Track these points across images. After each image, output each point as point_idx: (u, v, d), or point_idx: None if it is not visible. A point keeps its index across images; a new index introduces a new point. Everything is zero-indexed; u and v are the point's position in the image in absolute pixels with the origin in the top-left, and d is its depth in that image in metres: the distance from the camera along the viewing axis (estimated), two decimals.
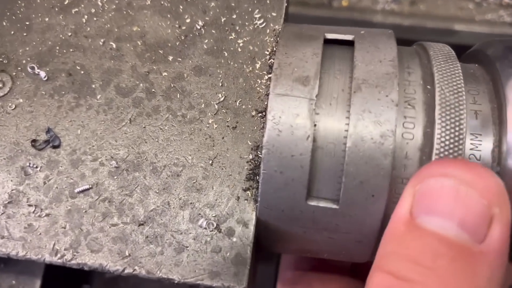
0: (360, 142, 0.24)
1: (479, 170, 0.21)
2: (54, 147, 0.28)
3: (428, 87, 0.26)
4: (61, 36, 0.30)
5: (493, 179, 0.21)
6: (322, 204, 0.25)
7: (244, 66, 0.29)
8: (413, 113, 0.25)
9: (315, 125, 0.25)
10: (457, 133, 0.24)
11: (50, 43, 0.30)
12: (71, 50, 0.30)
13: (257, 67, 0.29)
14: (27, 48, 0.30)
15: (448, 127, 0.24)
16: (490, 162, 0.25)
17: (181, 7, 0.31)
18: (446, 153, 0.24)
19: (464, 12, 0.62)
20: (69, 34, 0.30)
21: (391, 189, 0.25)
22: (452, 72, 0.26)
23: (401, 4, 0.63)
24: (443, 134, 0.24)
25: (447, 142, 0.24)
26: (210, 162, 0.27)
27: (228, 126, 0.28)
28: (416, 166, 0.25)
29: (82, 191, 0.27)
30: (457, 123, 0.24)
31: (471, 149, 0.25)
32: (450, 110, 0.25)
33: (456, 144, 0.24)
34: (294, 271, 0.36)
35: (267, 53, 0.29)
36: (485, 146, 0.25)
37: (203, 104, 0.28)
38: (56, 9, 0.31)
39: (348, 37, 0.28)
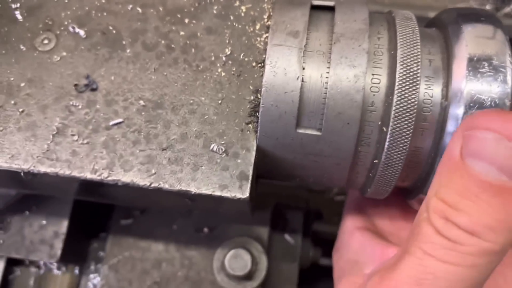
0: (338, 81, 0.31)
1: None
2: (92, 90, 0.35)
3: (393, 40, 0.33)
4: (96, 2, 0.37)
5: None
6: (309, 131, 0.32)
7: (247, 27, 0.36)
8: (380, 59, 0.32)
9: (303, 68, 0.32)
10: (413, 76, 0.31)
11: (87, 8, 0.37)
12: (104, 14, 0.37)
13: (257, 28, 0.36)
14: (68, 12, 0.37)
15: (407, 70, 0.31)
16: (439, 98, 0.32)
17: None
18: (406, 89, 0.31)
19: (438, 1, 0.69)
20: (103, 1, 0.37)
21: (362, 118, 0.32)
22: (411, 30, 0.33)
23: None
24: (403, 76, 0.31)
25: (406, 82, 0.31)
26: (220, 102, 0.34)
27: (233, 74, 0.35)
28: (381, 100, 0.31)
29: (116, 124, 0.34)
30: (414, 68, 0.31)
31: (425, 88, 0.32)
32: (409, 57, 0.32)
33: (413, 83, 0.31)
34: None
35: (265, 17, 0.36)
36: (436, 86, 0.32)
37: (213, 57, 0.35)
38: None
39: (330, 3, 0.35)
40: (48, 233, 0.47)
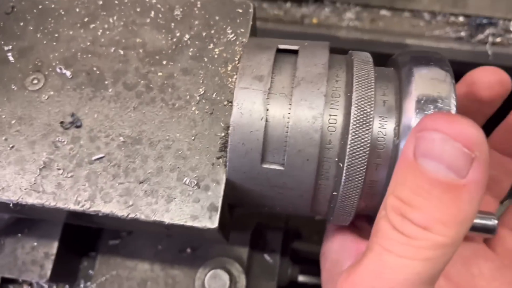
0: (298, 121, 0.34)
1: (462, 123, 0.28)
2: (77, 127, 0.38)
3: (349, 83, 0.36)
4: (82, 45, 0.40)
5: (474, 129, 0.28)
6: (273, 166, 0.35)
7: (219, 68, 0.39)
8: (337, 101, 0.35)
9: (267, 110, 0.35)
10: (367, 116, 0.34)
11: (73, 50, 0.40)
12: (89, 55, 0.40)
13: (229, 69, 0.39)
14: (56, 54, 0.40)
15: (361, 111, 0.34)
16: (392, 136, 0.35)
17: (172, 24, 0.41)
18: (359, 129, 0.34)
19: (415, 29, 0.72)
20: (88, 43, 0.40)
21: (320, 155, 0.35)
22: (366, 73, 0.36)
23: (362, 21, 0.73)
24: (356, 116, 0.34)
25: (359, 122, 0.34)
26: (193, 138, 0.37)
27: (206, 112, 0.38)
28: (337, 139, 0.35)
29: (98, 159, 0.37)
30: (367, 109, 0.34)
31: (379, 127, 0.35)
32: (363, 99, 0.35)
33: (366, 123, 0.34)
34: None
35: (236, 59, 0.39)
36: (389, 125, 0.35)
37: (188, 96, 0.38)
38: (78, 24, 0.41)
39: (295, 47, 0.38)
40: (39, 254, 0.50)
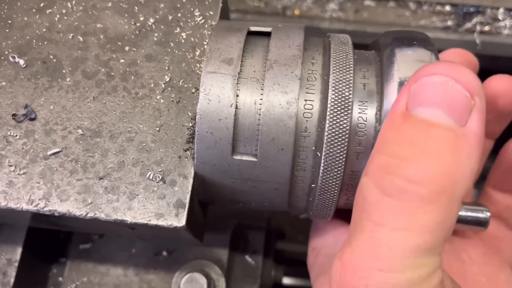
0: (271, 107, 0.31)
1: (462, 69, 0.26)
2: (31, 119, 0.35)
3: (326, 65, 0.33)
4: (37, 31, 0.37)
5: (473, 76, 0.26)
6: (245, 157, 0.32)
7: (187, 53, 0.36)
8: (313, 85, 0.32)
9: (237, 95, 0.32)
10: (345, 101, 0.31)
11: (28, 37, 0.37)
12: (45, 43, 0.37)
13: (197, 54, 0.36)
14: (9, 42, 0.37)
15: (339, 95, 0.31)
16: (373, 122, 0.32)
17: (136, 7, 0.38)
18: (337, 114, 0.31)
19: (401, 19, 0.70)
20: (44, 30, 0.37)
21: (295, 143, 0.32)
22: (345, 55, 0.33)
23: (346, 12, 0.71)
24: (334, 101, 0.31)
25: (337, 107, 0.31)
26: (158, 129, 0.34)
27: (172, 101, 0.35)
28: (314, 126, 0.32)
29: (54, 154, 0.34)
30: (345, 93, 0.32)
31: (359, 112, 0.32)
32: (341, 83, 0.32)
33: (345, 109, 0.31)
34: None
35: (205, 43, 0.36)
36: (370, 110, 0.32)
37: (152, 84, 0.35)
38: (34, 10, 0.38)
39: (267, 29, 0.35)
40: (2, 261, 0.46)
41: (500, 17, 0.69)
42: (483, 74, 0.66)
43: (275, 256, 0.55)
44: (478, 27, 0.68)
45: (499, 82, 0.42)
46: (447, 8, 0.71)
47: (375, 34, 0.68)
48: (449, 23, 0.69)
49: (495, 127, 0.45)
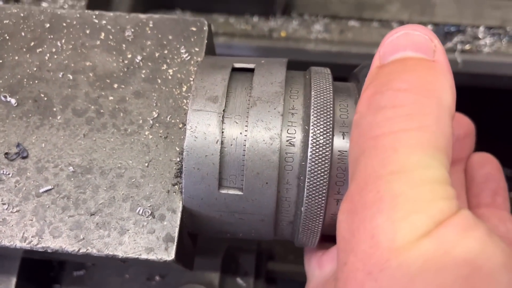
0: (255, 143, 0.33)
1: (417, 25, 0.30)
2: (23, 158, 0.36)
3: (307, 100, 0.34)
4: (28, 70, 0.38)
5: (427, 29, 0.30)
6: (231, 191, 0.34)
7: (174, 90, 0.37)
8: (295, 120, 0.34)
9: (222, 132, 0.33)
10: (326, 134, 0.33)
11: (19, 76, 0.38)
12: (36, 81, 0.38)
13: (184, 90, 0.37)
14: (0, 81, 0.38)
15: (319, 129, 0.33)
16: None
17: (124, 45, 0.39)
18: (318, 147, 0.33)
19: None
20: (35, 69, 0.38)
21: (279, 177, 0.33)
22: (325, 89, 0.35)
23: (331, 33, 0.72)
24: (315, 134, 0.33)
25: (318, 140, 0.33)
26: (146, 164, 0.35)
27: (160, 136, 0.36)
28: (297, 159, 0.33)
29: (46, 191, 0.35)
30: (327, 127, 0.33)
31: (339, 143, 0.33)
32: (321, 116, 0.33)
33: (326, 141, 0.33)
34: None
35: (191, 79, 0.38)
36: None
37: (141, 120, 0.36)
38: (24, 49, 0.39)
39: (251, 65, 0.36)
40: None
41: (480, 35, 0.71)
42: (465, 91, 0.69)
43: (266, 276, 0.56)
44: (459, 46, 0.70)
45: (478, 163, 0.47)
46: (429, 27, 0.73)
47: (360, 55, 0.70)
48: None
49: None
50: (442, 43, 0.73)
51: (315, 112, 0.33)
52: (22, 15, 0.40)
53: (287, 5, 0.72)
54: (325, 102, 0.34)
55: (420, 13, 0.73)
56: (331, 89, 0.35)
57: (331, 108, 0.34)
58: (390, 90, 0.27)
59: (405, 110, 0.26)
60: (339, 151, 0.33)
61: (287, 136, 0.33)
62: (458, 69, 0.69)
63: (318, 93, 0.34)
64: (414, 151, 0.25)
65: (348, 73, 0.45)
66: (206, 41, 0.39)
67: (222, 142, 0.33)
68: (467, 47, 0.70)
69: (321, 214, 0.34)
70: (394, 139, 0.26)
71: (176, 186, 0.35)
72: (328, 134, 0.33)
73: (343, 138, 0.33)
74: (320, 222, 0.34)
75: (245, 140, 0.33)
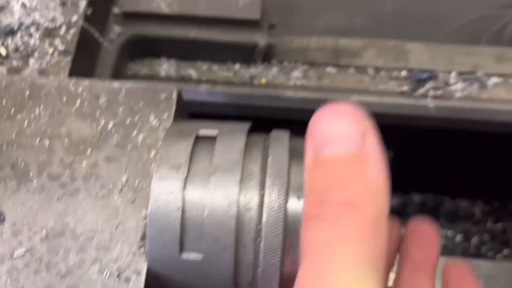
0: (214, 210, 0.35)
1: (344, 103, 0.29)
2: (0, 222, 0.38)
3: (264, 166, 0.37)
4: (7, 137, 0.41)
5: (356, 107, 0.29)
6: (191, 257, 0.36)
7: (143, 155, 0.40)
8: (252, 186, 0.36)
9: (183, 199, 0.36)
10: (280, 198, 0.35)
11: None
12: (14, 148, 0.40)
13: (152, 156, 0.40)
14: None
15: (273, 192, 0.35)
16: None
17: (98, 112, 0.42)
18: (273, 208, 0.35)
19: (360, 84, 0.75)
20: (14, 135, 0.41)
21: (237, 241, 0.35)
22: (281, 154, 0.37)
23: (309, 79, 0.75)
24: (270, 197, 0.35)
25: (274, 204, 0.35)
26: (115, 227, 0.38)
27: (129, 200, 0.38)
28: (253, 224, 0.35)
29: (20, 254, 0.37)
30: (280, 189, 0.35)
31: (294, 207, 0.36)
32: (276, 181, 0.36)
33: (281, 205, 0.35)
34: None
35: (160, 144, 0.40)
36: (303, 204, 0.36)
37: (111, 185, 0.39)
38: (5, 116, 0.42)
39: (213, 133, 0.39)
40: None
41: (451, 81, 0.74)
42: (437, 135, 0.71)
43: None
44: (431, 92, 0.73)
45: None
46: (403, 73, 0.76)
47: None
48: (405, 88, 0.74)
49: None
50: (415, 89, 0.75)
51: (270, 177, 0.36)
52: (4, 84, 0.43)
53: (268, 53, 0.75)
54: (280, 167, 0.36)
55: (395, 60, 0.77)
56: (287, 155, 0.37)
57: (286, 173, 0.36)
58: (325, 203, 0.28)
59: (339, 225, 0.27)
60: (293, 213, 0.35)
61: (244, 202, 0.36)
62: (430, 114, 0.71)
63: (274, 158, 0.37)
64: (348, 268, 0.26)
65: None
66: (174, 108, 0.42)
67: (183, 209, 0.35)
68: (439, 93, 0.73)
69: (277, 274, 0.36)
70: (329, 255, 0.27)
71: (142, 249, 0.37)
72: (282, 198, 0.35)
73: (298, 200, 0.36)
74: (276, 282, 0.36)
75: (204, 207, 0.35)
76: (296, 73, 0.76)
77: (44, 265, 0.37)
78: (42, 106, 0.42)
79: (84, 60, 0.64)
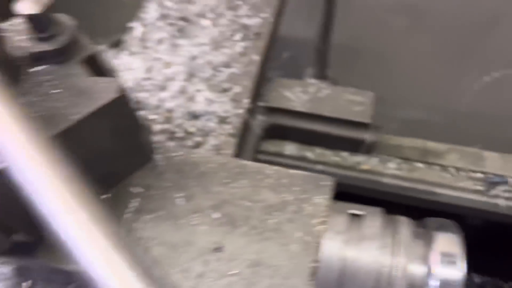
0: (362, 266, 0.56)
1: None
2: (221, 251, 0.61)
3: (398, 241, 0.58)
4: (224, 198, 0.64)
5: None
6: None
7: (311, 221, 0.62)
8: (387, 253, 0.57)
9: (344, 254, 0.57)
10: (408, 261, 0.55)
11: (220, 200, 0.64)
12: (228, 205, 0.64)
13: (316, 221, 0.62)
14: (211, 202, 0.64)
15: (401, 258, 0.56)
16: None
17: (282, 188, 0.65)
18: (415, 275, 0.55)
19: (443, 180, 0.95)
20: (229, 197, 0.64)
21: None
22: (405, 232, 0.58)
23: (402, 170, 0.96)
24: (406, 264, 0.56)
25: (400, 263, 0.55)
26: (294, 265, 0.59)
27: (302, 249, 0.60)
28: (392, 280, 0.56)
29: (233, 274, 0.59)
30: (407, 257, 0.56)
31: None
32: (405, 250, 0.56)
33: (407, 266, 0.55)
34: None
35: (321, 215, 0.62)
36: None
37: (290, 237, 0.61)
38: (223, 183, 0.65)
39: (360, 212, 0.61)
40: None
41: None
42: (506, 229, 0.90)
43: None
44: (502, 193, 0.91)
45: None
46: (479, 175, 0.95)
47: (423, 191, 0.93)
48: (480, 187, 0.93)
49: None
50: (489, 189, 0.94)
51: (402, 246, 0.56)
52: (221, 162, 0.67)
53: (370, 146, 0.97)
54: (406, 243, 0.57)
55: (472, 163, 0.96)
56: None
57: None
58: None
59: None
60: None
61: (383, 262, 0.56)
62: (500, 210, 0.90)
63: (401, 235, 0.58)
64: None
65: (414, 202, 0.68)
66: (331, 191, 0.64)
67: (343, 259, 0.56)
68: (509, 195, 0.91)
69: None
70: None
71: (311, 282, 0.58)
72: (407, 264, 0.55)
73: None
74: None
75: (355, 261, 0.56)
76: (392, 165, 0.97)
77: (247, 283, 0.58)
78: (245, 180, 0.66)
79: (240, 139, 0.89)
